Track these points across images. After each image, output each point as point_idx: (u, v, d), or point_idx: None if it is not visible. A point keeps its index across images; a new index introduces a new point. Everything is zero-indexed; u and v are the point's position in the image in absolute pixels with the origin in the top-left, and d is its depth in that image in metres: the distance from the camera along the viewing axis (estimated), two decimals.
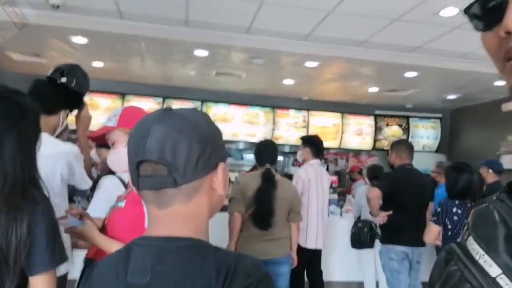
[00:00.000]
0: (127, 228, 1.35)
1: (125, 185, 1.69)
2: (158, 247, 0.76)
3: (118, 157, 1.55)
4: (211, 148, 0.78)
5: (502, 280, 0.41)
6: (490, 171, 4.16)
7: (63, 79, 2.15)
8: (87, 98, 2.39)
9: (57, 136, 2.10)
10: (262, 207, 2.92)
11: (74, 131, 2.46)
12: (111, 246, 1.38)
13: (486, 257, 0.43)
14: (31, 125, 1.25)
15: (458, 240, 0.50)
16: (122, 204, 1.45)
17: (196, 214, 0.79)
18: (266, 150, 3.19)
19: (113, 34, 4.28)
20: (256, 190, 2.94)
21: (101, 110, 6.52)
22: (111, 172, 1.80)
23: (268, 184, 2.97)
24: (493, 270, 0.41)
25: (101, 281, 0.80)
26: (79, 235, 1.47)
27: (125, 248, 0.80)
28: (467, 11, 0.54)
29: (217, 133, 0.83)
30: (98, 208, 1.60)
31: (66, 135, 2.30)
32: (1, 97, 1.21)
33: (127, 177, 1.61)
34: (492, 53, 0.53)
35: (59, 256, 1.22)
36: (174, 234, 0.77)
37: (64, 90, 2.14)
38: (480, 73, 4.95)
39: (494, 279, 0.41)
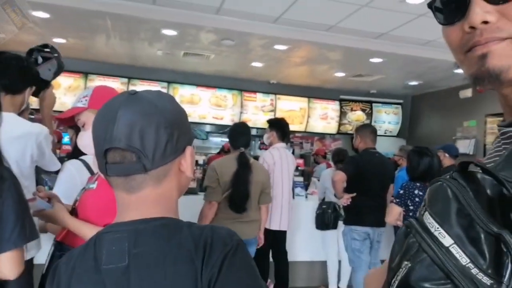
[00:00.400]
0: (101, 209, 1.32)
1: (90, 169, 1.65)
2: (132, 230, 0.75)
3: (89, 139, 1.51)
4: (179, 132, 0.78)
5: (454, 249, 0.45)
6: (447, 155, 4.36)
7: (47, 49, 2.28)
8: None
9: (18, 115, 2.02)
10: (239, 191, 2.96)
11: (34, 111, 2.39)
12: (83, 228, 1.35)
13: (441, 229, 0.47)
14: None
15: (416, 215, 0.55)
16: (93, 185, 1.41)
17: (165, 197, 0.80)
18: (241, 133, 3.21)
19: (77, 9, 4.11)
20: (233, 175, 2.96)
21: (62, 89, 6.28)
22: (75, 155, 1.75)
23: (244, 168, 3.00)
24: (446, 240, 0.46)
25: (70, 275, 0.77)
26: (49, 218, 1.43)
27: (93, 239, 0.78)
28: (430, 4, 0.55)
29: (184, 116, 0.84)
30: (61, 194, 1.54)
31: (27, 114, 2.22)
32: None
33: (92, 160, 1.57)
34: (453, 47, 0.54)
35: (29, 233, 1.19)
36: (146, 216, 0.77)
37: (33, 68, 2.08)
38: (441, 61, 5.14)
39: (447, 248, 0.45)
